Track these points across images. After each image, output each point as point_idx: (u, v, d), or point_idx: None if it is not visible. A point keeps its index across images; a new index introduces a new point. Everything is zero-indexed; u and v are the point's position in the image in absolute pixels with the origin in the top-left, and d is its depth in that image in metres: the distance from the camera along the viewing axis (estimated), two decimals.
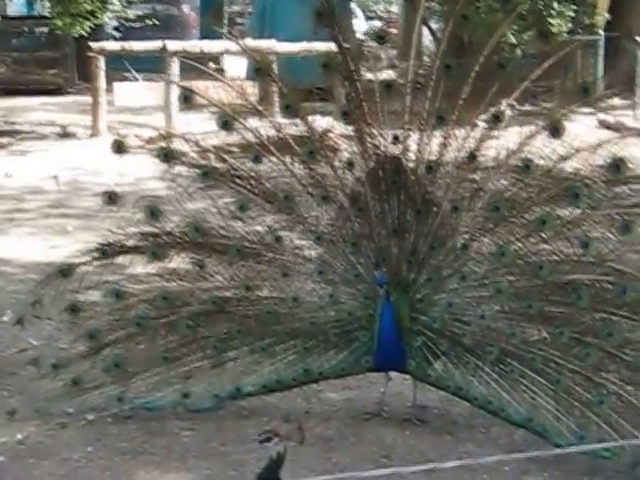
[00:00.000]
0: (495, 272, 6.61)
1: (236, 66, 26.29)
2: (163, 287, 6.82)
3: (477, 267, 6.68)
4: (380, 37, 7.05)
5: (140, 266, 6.98)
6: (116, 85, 19.09)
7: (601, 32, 24.14)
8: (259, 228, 6.89)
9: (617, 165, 6.36)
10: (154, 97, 18.32)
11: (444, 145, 6.73)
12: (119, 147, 7.12)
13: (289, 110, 6.90)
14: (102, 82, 17.99)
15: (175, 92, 17.28)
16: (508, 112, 6.82)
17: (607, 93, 8.25)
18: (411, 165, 6.77)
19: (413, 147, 6.80)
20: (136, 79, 20.87)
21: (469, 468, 6.18)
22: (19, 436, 6.59)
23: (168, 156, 6.85)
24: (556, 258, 6.47)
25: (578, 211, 6.46)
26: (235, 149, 7.08)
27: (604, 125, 19.28)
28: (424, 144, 6.74)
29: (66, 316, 7.00)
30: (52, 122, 20.63)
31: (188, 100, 7.09)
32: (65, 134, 19.12)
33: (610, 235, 6.39)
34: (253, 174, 6.86)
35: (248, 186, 6.85)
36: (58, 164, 16.32)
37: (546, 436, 6.23)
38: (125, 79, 21.61)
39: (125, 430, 6.71)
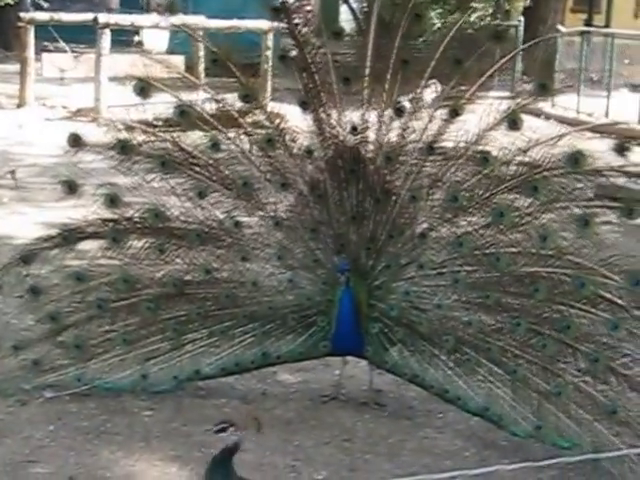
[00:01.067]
0: (453, 262, 6.72)
1: (155, 39, 26.12)
2: (123, 270, 6.84)
3: (435, 256, 6.78)
4: (337, 34, 7.13)
5: (101, 250, 6.97)
6: (45, 55, 18.83)
7: (521, 18, 24.50)
8: (218, 213, 6.94)
9: (575, 158, 6.46)
10: (83, 69, 18.12)
11: (402, 136, 6.83)
12: (75, 141, 7.08)
13: (248, 99, 7.00)
14: (31, 52, 17.75)
15: (105, 64, 17.17)
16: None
17: (562, 87, 8.26)
18: (370, 155, 6.87)
19: (372, 137, 6.89)
20: (64, 50, 20.58)
21: (429, 452, 6.34)
22: None
23: (125, 148, 6.85)
24: (514, 250, 6.57)
25: (537, 203, 6.56)
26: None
27: (522, 110, 19.60)
28: (383, 134, 6.84)
29: (26, 296, 7.00)
30: None
31: (145, 91, 6.98)
32: None
33: (569, 229, 6.52)
34: (211, 161, 6.92)
35: (207, 173, 6.90)
36: None
37: (502, 425, 6.36)
38: (46, 48, 21.29)
39: (84, 409, 6.71)
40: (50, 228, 10.84)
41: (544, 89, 6.92)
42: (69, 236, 6.88)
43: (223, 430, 4.69)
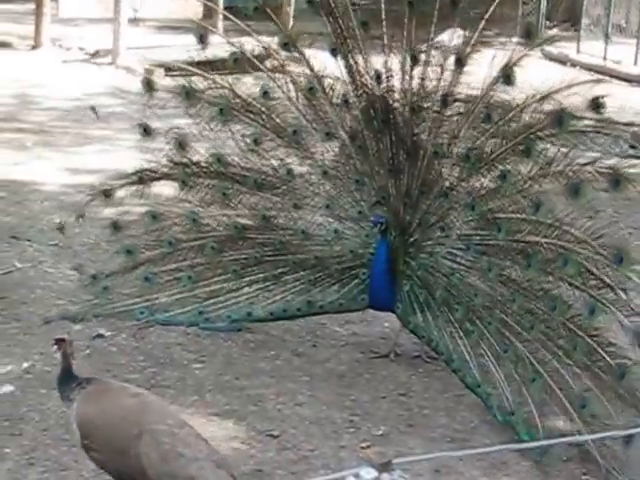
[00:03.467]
0: (468, 225, 6.66)
1: None
2: (193, 211, 6.98)
3: (455, 218, 6.72)
4: None
5: (172, 193, 7.15)
6: None
7: None
8: (273, 162, 6.99)
9: (560, 117, 6.26)
10: (100, 10, 17.79)
11: (422, 86, 6.72)
12: (149, 84, 7.18)
13: (287, 47, 7.02)
14: None
15: (125, 4, 16.85)
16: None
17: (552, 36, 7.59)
18: (397, 105, 6.79)
19: (397, 86, 6.81)
20: None
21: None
22: (25, 365, 6.43)
23: (189, 94, 6.96)
24: (518, 216, 6.40)
25: (535, 167, 6.39)
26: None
27: (548, 57, 19.34)
28: (406, 84, 6.75)
29: (108, 232, 7.25)
30: None
31: (203, 38, 7.07)
32: (1, 44, 18.47)
33: (563, 197, 6.28)
34: (264, 109, 6.98)
35: (260, 121, 6.99)
36: (1, 75, 15.82)
37: (487, 404, 6.19)
38: None
39: (133, 361, 6.61)
40: (76, 174, 10.80)
41: (529, 37, 6.65)
42: (144, 177, 7.04)
43: (56, 344, 4.84)
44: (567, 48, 19.53)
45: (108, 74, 16.29)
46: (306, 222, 6.98)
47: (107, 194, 7.07)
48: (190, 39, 7.14)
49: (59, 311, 7.16)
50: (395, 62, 6.77)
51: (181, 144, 6.98)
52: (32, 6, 18.82)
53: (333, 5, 6.83)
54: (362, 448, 5.69)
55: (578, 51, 18.34)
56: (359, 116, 6.88)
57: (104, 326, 6.94)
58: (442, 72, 6.66)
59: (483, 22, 6.66)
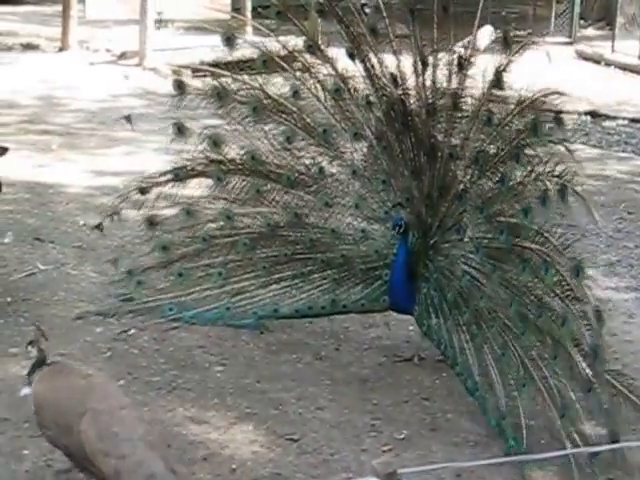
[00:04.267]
0: (477, 228, 6.59)
1: None
2: (227, 208, 7.05)
3: (468, 220, 6.65)
4: None
5: (203, 194, 7.19)
6: None
7: None
8: (305, 160, 7.02)
9: (535, 127, 6.28)
10: (127, 11, 17.79)
11: (435, 89, 6.70)
12: (180, 86, 7.14)
13: (312, 49, 7.03)
14: None
15: (151, 6, 16.84)
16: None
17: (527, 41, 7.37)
18: (414, 107, 6.76)
19: (412, 89, 6.79)
20: None
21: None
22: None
23: (220, 95, 6.99)
24: (513, 221, 6.36)
25: (525, 171, 6.39)
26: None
27: (582, 56, 19.21)
28: (420, 86, 6.73)
29: (143, 228, 7.29)
30: (14, 33, 20.01)
31: (230, 41, 7.06)
32: (29, 46, 18.53)
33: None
34: (295, 109, 7.01)
35: (292, 120, 7.02)
36: (29, 77, 15.86)
37: (482, 409, 6.12)
38: None
39: (154, 363, 6.57)
40: (102, 176, 10.79)
41: (506, 44, 6.60)
42: (180, 173, 7.11)
43: (31, 343, 5.09)
44: (602, 47, 19.37)
45: (136, 75, 16.31)
46: (336, 221, 7.00)
47: (143, 191, 7.12)
48: (217, 40, 7.09)
49: (80, 312, 7.18)
50: (408, 65, 6.75)
51: (216, 142, 7.05)
52: (59, 8, 18.84)
53: (341, 14, 6.86)
54: (384, 452, 5.65)
55: (612, 51, 18.13)
56: (382, 117, 6.86)
57: (127, 326, 6.96)
58: (450, 74, 6.62)
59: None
